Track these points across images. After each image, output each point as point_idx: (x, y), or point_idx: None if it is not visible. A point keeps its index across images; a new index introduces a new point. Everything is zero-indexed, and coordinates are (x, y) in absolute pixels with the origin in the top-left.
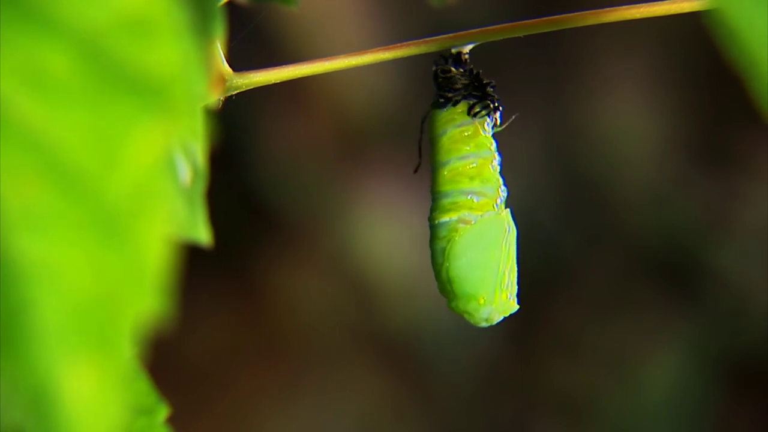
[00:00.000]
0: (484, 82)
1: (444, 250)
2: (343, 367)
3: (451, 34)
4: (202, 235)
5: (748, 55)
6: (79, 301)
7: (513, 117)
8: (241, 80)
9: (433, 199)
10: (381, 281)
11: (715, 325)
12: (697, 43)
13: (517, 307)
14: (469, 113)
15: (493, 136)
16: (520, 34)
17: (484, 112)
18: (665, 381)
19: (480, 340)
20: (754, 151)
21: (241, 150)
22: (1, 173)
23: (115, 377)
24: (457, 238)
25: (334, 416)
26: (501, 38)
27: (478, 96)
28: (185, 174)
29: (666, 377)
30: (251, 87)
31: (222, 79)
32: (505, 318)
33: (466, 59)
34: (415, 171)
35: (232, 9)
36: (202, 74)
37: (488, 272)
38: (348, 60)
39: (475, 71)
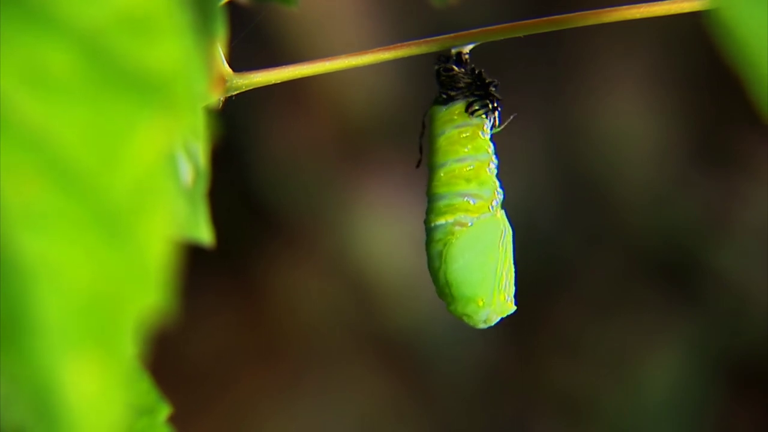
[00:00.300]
0: (487, 81)
1: (441, 253)
2: (343, 367)
3: (451, 34)
4: (204, 235)
5: (748, 56)
6: (80, 299)
7: (511, 117)
8: (242, 80)
9: (429, 201)
10: (381, 281)
11: (715, 325)
12: (697, 43)
13: (515, 308)
14: (467, 110)
15: (492, 138)
16: (521, 34)
17: (482, 111)
18: (665, 381)
19: (480, 340)
20: (754, 151)
21: (241, 150)
22: (1, 171)
23: (118, 376)
24: (453, 241)
25: (334, 416)
26: (501, 38)
27: (480, 95)
28: (187, 174)
29: (666, 377)
30: (251, 87)
31: (222, 80)
32: (502, 318)
33: (466, 59)
34: (417, 166)
35: (232, 9)
36: (203, 72)
37: (486, 274)
38: (348, 60)
39: (477, 70)
